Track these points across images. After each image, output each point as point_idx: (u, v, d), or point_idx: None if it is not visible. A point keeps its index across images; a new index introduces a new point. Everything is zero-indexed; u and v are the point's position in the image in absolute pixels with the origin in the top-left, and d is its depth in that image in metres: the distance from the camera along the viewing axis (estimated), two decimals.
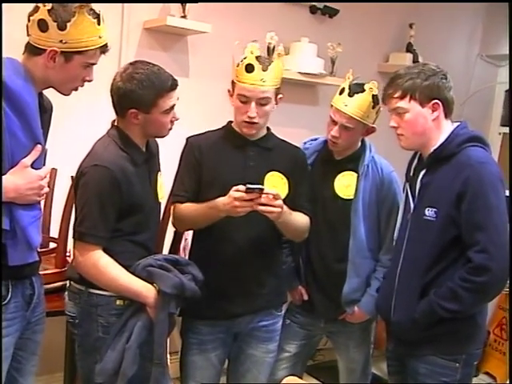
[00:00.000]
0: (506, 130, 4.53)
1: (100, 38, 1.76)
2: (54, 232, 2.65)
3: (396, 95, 2.07)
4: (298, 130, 3.28)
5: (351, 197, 2.40)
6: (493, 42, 4.65)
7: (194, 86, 3.33)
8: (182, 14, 3.14)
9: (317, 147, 2.51)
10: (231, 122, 2.29)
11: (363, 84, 2.34)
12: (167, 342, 2.00)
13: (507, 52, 4.10)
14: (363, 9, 4.00)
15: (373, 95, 2.32)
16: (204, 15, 3.27)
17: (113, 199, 1.92)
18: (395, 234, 2.22)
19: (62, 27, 1.68)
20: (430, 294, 2.02)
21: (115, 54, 3.08)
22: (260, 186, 2.01)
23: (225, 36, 3.21)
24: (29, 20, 1.72)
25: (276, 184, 2.21)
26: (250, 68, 2.11)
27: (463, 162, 1.98)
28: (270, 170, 2.22)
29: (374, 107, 2.33)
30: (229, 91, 2.24)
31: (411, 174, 2.20)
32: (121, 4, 3.11)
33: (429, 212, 2.03)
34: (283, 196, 2.15)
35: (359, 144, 2.46)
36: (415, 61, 4.01)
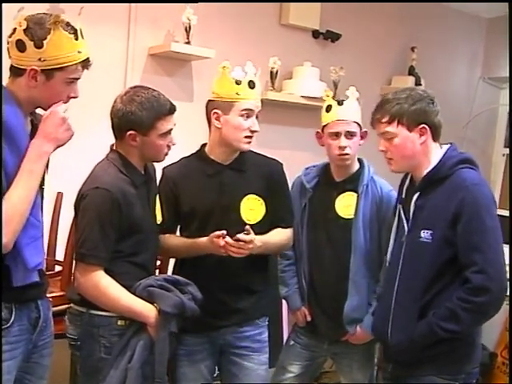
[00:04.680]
0: None
1: (79, 52, 1.74)
2: (60, 255, 2.67)
3: (384, 120, 2.08)
4: (301, 152, 3.30)
5: (352, 216, 2.42)
6: (494, 64, 4.70)
7: (199, 110, 3.34)
8: (186, 40, 3.21)
9: (318, 172, 2.55)
10: (204, 145, 2.34)
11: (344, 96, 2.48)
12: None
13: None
14: (365, 33, 4.06)
15: (357, 98, 2.45)
16: (208, 41, 3.33)
17: (113, 220, 1.95)
18: (388, 257, 2.22)
19: (38, 45, 1.67)
20: (428, 316, 2.01)
21: (121, 80, 3.14)
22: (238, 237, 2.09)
23: (228, 61, 3.25)
24: (8, 42, 1.72)
25: (252, 207, 2.26)
26: (252, 84, 2.26)
27: (458, 184, 2.00)
28: (246, 193, 2.26)
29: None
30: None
31: (403, 195, 2.20)
32: (126, 30, 3.17)
33: (424, 234, 2.03)
34: (261, 217, 2.25)
35: (358, 165, 2.50)
36: (417, 83, 4.07)
